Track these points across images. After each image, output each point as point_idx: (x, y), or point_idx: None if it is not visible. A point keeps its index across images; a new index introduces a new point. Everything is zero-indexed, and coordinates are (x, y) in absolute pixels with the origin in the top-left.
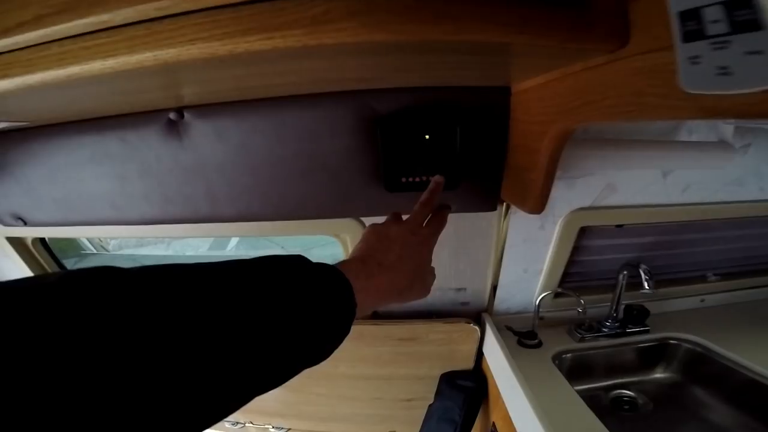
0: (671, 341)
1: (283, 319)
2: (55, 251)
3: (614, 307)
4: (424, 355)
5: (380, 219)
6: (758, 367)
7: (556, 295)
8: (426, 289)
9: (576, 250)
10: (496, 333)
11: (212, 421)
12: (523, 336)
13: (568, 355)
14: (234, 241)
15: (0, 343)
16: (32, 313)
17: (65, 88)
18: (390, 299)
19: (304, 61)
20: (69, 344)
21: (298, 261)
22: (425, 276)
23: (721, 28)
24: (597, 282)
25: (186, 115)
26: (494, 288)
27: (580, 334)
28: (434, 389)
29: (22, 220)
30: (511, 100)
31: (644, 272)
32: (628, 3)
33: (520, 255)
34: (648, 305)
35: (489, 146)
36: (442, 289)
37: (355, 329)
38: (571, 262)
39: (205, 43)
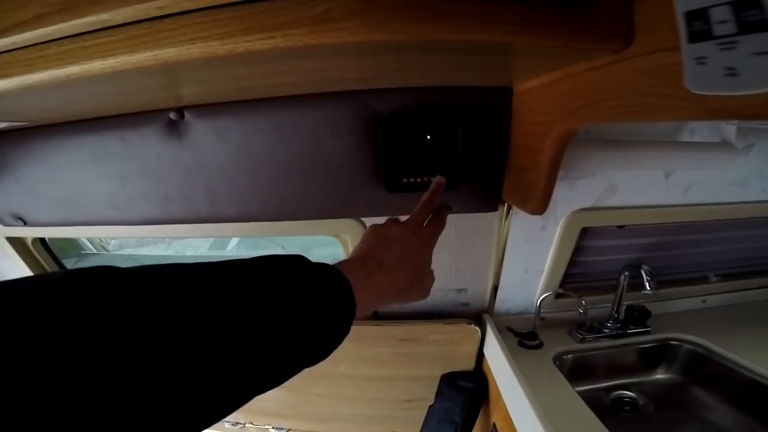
0: (672, 342)
1: (283, 319)
2: (55, 251)
3: (615, 308)
4: (424, 355)
5: (381, 219)
6: (759, 368)
7: (557, 295)
8: (425, 291)
9: (577, 250)
10: (497, 334)
11: (212, 421)
12: (523, 337)
13: (569, 355)
14: (234, 241)
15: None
16: (31, 312)
17: (65, 87)
18: (390, 299)
19: (305, 60)
20: (68, 344)
21: (298, 261)
22: (424, 278)
23: (729, 28)
24: (598, 283)
25: (186, 114)
26: (495, 289)
27: (581, 334)
28: (435, 390)
29: (22, 220)
30: (513, 101)
31: (645, 273)
32: (633, 3)
33: (522, 256)
34: (649, 306)
35: (490, 147)
36: (443, 290)
37: (356, 330)
38: (572, 263)
39: (205, 43)
